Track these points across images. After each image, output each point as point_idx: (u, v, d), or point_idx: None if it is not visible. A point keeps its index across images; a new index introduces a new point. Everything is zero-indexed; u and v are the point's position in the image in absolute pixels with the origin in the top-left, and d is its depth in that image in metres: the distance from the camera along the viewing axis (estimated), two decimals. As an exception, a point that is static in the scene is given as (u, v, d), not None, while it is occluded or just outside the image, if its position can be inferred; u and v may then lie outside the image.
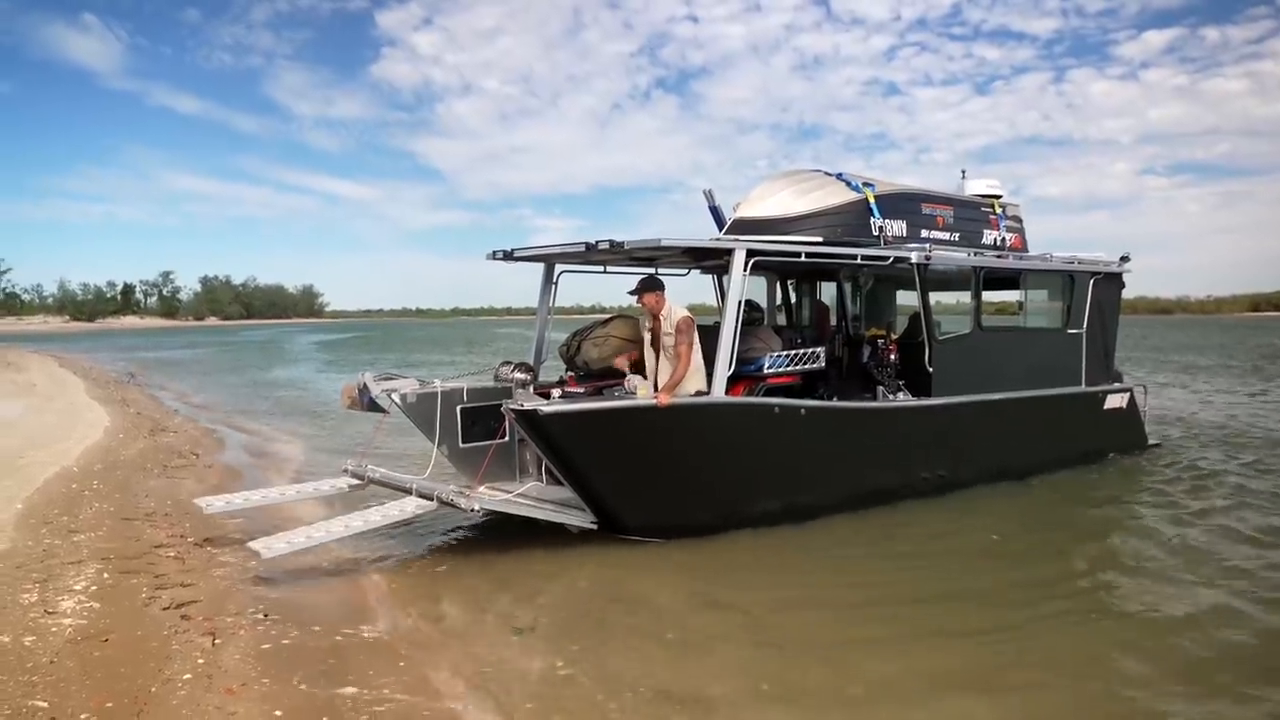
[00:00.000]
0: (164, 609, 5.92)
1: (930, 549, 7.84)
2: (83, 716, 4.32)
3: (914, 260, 9.09)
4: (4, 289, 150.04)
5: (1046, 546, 8.00)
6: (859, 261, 8.92)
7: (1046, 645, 5.62)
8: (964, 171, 11.21)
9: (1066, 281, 11.11)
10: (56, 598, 6.01)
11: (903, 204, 9.60)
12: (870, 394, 9.38)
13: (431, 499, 7.36)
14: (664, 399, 7.43)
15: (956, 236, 10.08)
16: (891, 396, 9.28)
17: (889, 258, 9.04)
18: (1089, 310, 11.13)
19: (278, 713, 4.49)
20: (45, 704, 4.43)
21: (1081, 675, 5.16)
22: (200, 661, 5.07)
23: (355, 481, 8.33)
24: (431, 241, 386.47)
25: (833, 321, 10.94)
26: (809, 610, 6.29)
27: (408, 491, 7.58)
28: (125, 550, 7.26)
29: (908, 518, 8.71)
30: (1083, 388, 11.14)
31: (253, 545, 6.63)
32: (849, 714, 4.69)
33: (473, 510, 7.24)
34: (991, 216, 10.69)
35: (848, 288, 11.11)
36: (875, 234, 9.20)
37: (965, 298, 10.10)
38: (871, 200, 9.25)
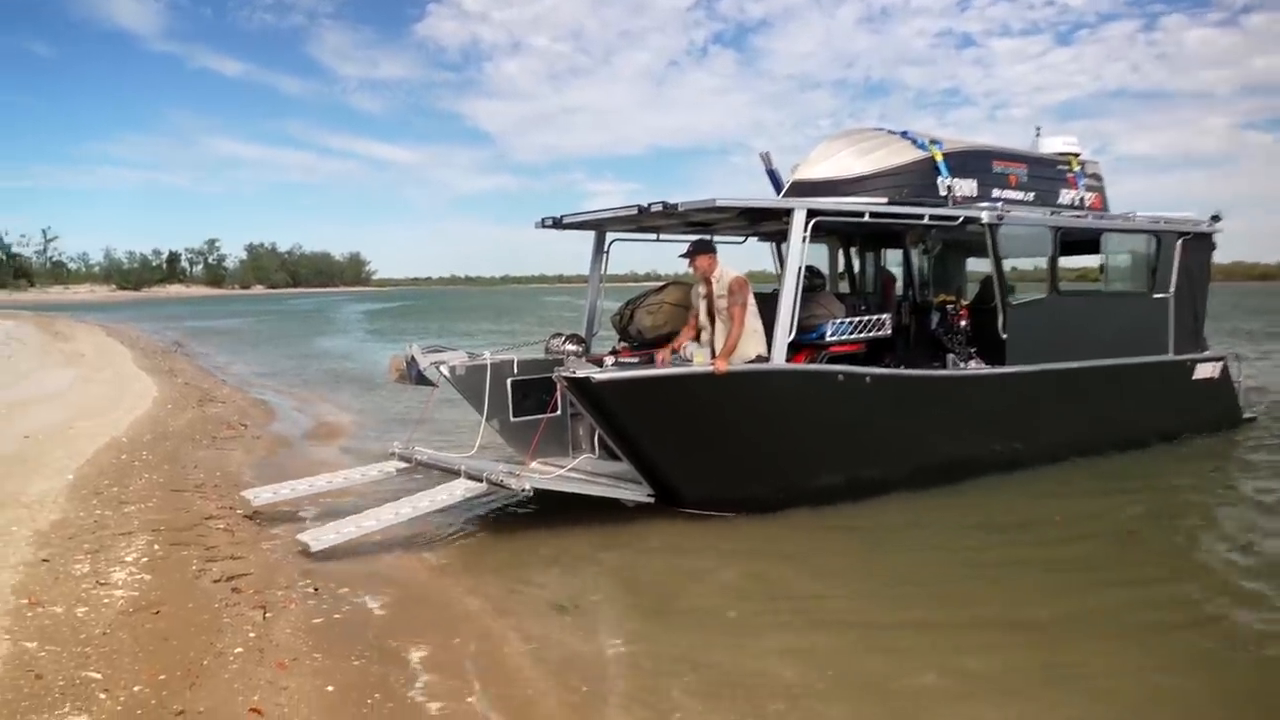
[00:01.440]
0: (214, 581, 6.05)
1: (1002, 529, 7.70)
2: (135, 688, 4.43)
3: (985, 220, 8.90)
4: (51, 258, 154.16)
5: (1125, 533, 7.71)
6: (926, 223, 8.75)
7: (1112, 650, 5.24)
8: (1039, 129, 10.93)
9: (1152, 242, 10.78)
10: (108, 569, 6.17)
11: (973, 162, 9.40)
12: (939, 363, 9.23)
13: (481, 480, 7.39)
14: (721, 366, 7.38)
15: (1031, 196, 9.84)
16: (962, 365, 9.13)
17: (958, 218, 8.86)
18: (1176, 273, 10.79)
19: (330, 688, 4.56)
20: (98, 675, 4.55)
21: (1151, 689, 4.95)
22: (251, 635, 5.17)
23: (403, 464, 8.38)
24: (480, 207, 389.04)
25: (899, 289, 10.77)
26: (874, 592, 6.23)
27: (456, 473, 7.63)
28: (175, 522, 7.43)
29: (978, 495, 8.58)
30: (1170, 356, 10.82)
31: (302, 538, 6.71)
32: (912, 706, 4.59)
33: (523, 490, 7.26)
34: (1069, 175, 10.42)
35: (914, 252, 10.91)
36: (943, 194, 9.02)
37: (1041, 264, 9.87)
38: (939, 159, 9.07)
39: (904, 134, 9.22)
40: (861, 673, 4.93)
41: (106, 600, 5.60)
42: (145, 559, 6.44)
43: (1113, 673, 4.92)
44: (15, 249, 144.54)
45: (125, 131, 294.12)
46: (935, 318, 9.53)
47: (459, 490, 7.35)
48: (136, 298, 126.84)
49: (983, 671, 4.93)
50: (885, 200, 8.56)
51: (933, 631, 5.50)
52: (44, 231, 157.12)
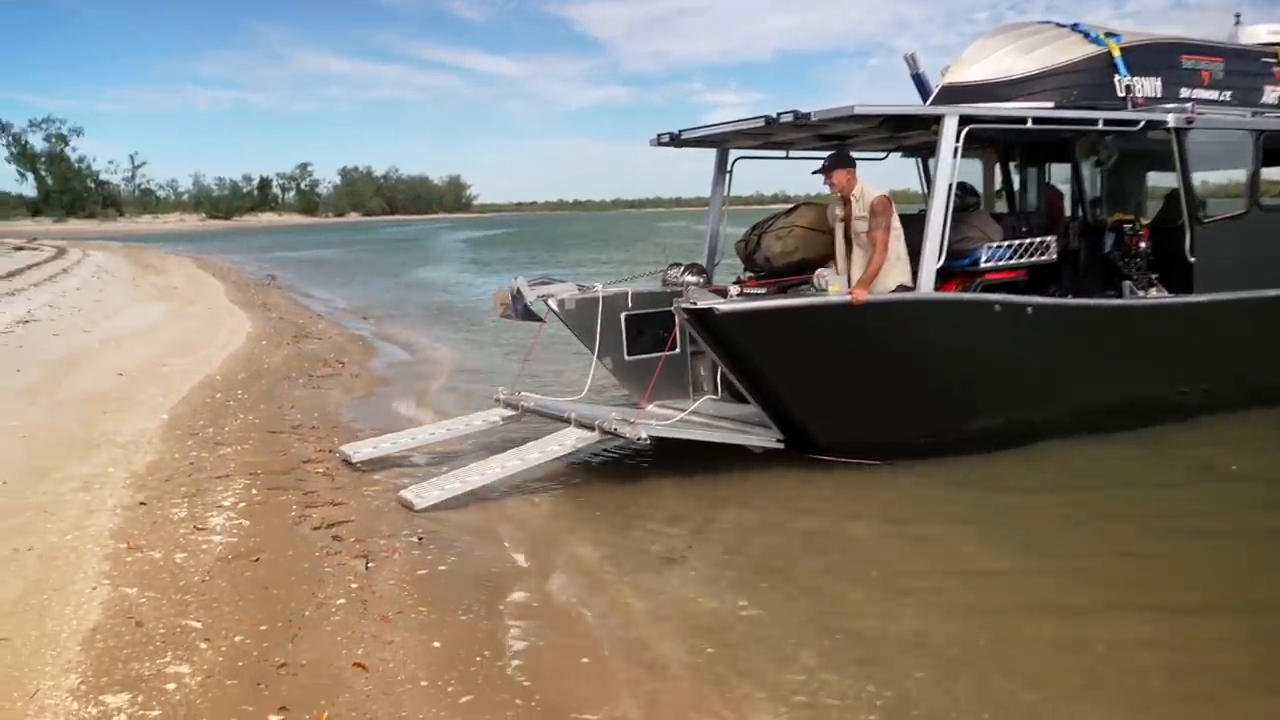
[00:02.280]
0: (314, 529, 6.29)
1: (1186, 484, 7.39)
2: (236, 639, 4.66)
3: (1172, 124, 8.47)
4: (140, 185, 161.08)
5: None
6: (1100, 129, 8.38)
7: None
8: (1238, 15, 10.29)
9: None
10: (205, 514, 6.49)
11: (1156, 57, 8.95)
12: (1114, 291, 8.88)
13: (593, 429, 7.44)
14: (859, 295, 7.23)
15: (1228, 95, 9.32)
16: (1141, 293, 8.75)
17: (1139, 122, 8.44)
18: None
19: (436, 644, 4.71)
20: (199, 624, 4.80)
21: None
22: (354, 586, 5.37)
23: (509, 412, 8.49)
24: (589, 123, 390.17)
25: (1066, 207, 10.37)
26: (1038, 556, 6.04)
27: (566, 421, 7.71)
28: (272, 465, 7.74)
29: (1160, 442, 8.27)
30: None
31: (405, 495, 6.89)
32: (1083, 693, 4.43)
33: (639, 439, 7.30)
34: (1275, 69, 9.80)
35: (1085, 164, 10.44)
36: (1121, 96, 8.63)
37: (1239, 176, 9.34)
38: (1116, 54, 8.66)
39: (1074, 27, 8.84)
40: (1022, 644, 4.82)
41: (205, 546, 5.89)
42: (243, 504, 6.74)
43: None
44: (103, 176, 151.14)
45: (211, 48, 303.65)
46: (1110, 239, 9.16)
47: (569, 440, 7.43)
48: (227, 227, 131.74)
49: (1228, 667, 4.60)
50: (1051, 105, 8.24)
51: (1108, 610, 5.25)
52: (132, 158, 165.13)
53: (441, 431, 8.34)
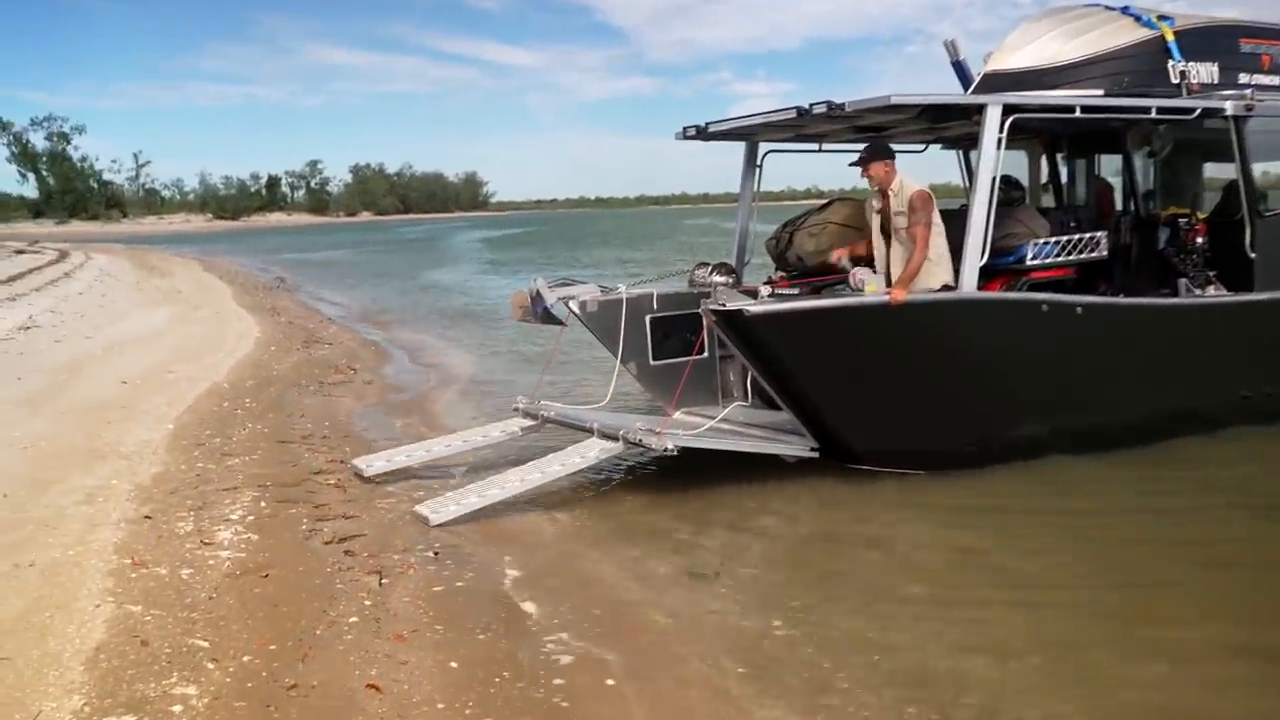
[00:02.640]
0: (326, 543, 6.32)
1: (1243, 499, 7.29)
2: (245, 658, 4.68)
3: (1230, 112, 8.42)
4: (144, 185, 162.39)
5: None
6: (1153, 117, 8.32)
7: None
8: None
9: None
10: (213, 527, 6.53)
11: (1213, 41, 8.91)
12: (1169, 289, 8.81)
13: (617, 439, 7.42)
14: (898, 295, 7.20)
15: (1291, 81, 9.22)
16: (1198, 291, 8.68)
17: (1194, 110, 8.39)
18: None
19: (453, 664, 4.72)
20: (205, 643, 4.82)
21: None
22: (367, 603, 5.38)
23: (529, 423, 8.47)
24: (611, 116, 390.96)
25: (1117, 201, 10.29)
26: (1088, 570, 5.99)
27: (589, 431, 7.70)
28: (282, 476, 7.79)
29: (1221, 448, 8.20)
30: None
31: (420, 510, 6.91)
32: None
33: (666, 450, 7.24)
34: (1341, 53, 9.70)
35: (1137, 155, 10.37)
36: (1175, 82, 8.58)
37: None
38: (1169, 37, 8.63)
39: (1124, 9, 8.82)
40: (1073, 663, 4.77)
41: (212, 561, 5.92)
42: (251, 517, 6.78)
43: None
44: (106, 175, 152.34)
45: (215, 41, 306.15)
46: (1164, 235, 9.12)
47: (592, 452, 7.43)
48: (234, 227, 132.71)
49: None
50: (1101, 92, 8.19)
51: (1168, 624, 5.22)
52: (135, 156, 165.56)
53: (458, 443, 8.35)
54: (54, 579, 5.55)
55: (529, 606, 5.45)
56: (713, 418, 8.07)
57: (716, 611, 5.43)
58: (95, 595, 5.34)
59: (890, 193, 7.73)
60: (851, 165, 7.86)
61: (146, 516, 6.69)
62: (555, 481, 7.34)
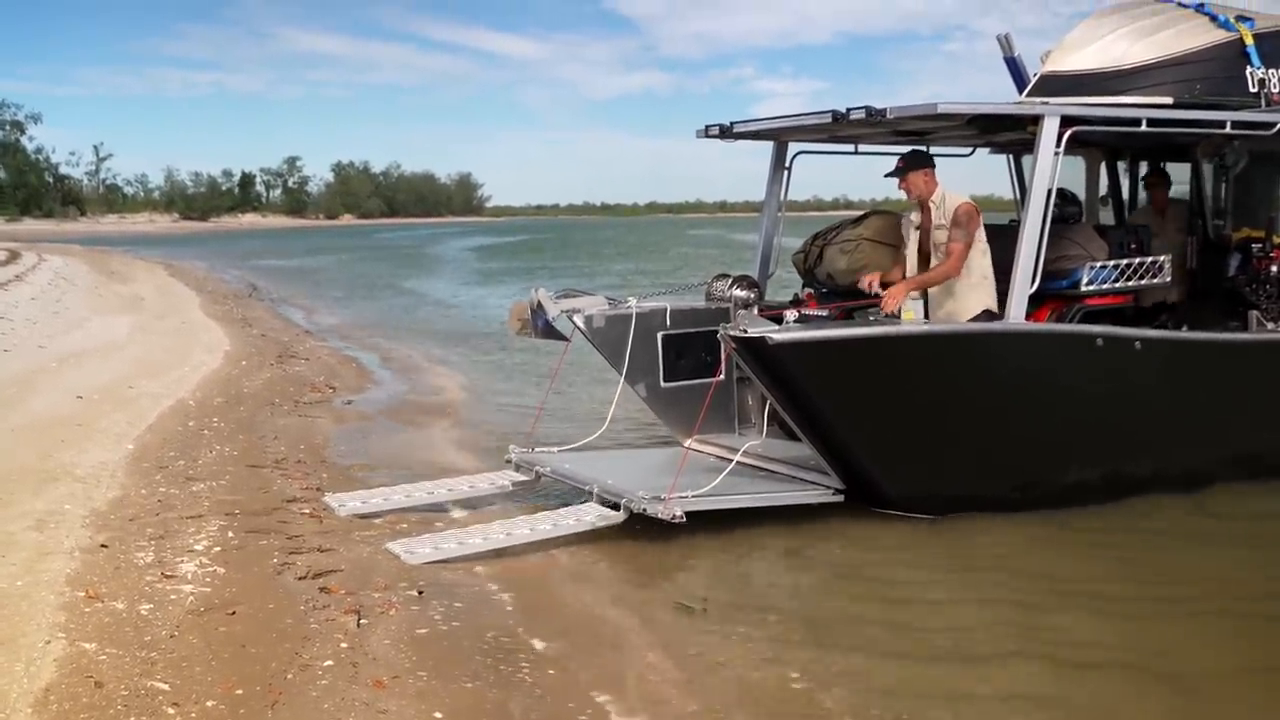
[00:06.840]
0: (299, 578, 6.34)
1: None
2: (208, 703, 4.71)
3: None
4: (104, 180, 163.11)
5: None
6: (1228, 131, 8.35)
7: None
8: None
9: None
10: (175, 559, 6.56)
11: None
12: (1239, 321, 8.83)
13: (618, 508, 7.33)
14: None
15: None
16: (1272, 325, 8.71)
17: (1274, 124, 8.41)
18: None
19: (438, 714, 4.74)
20: (166, 686, 4.85)
21: None
22: (343, 646, 5.41)
23: (522, 478, 8.37)
24: (621, 114, 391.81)
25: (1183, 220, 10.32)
26: (1140, 626, 6.04)
27: (589, 493, 7.66)
28: (252, 504, 7.82)
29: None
30: None
31: (393, 548, 6.92)
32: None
33: (674, 518, 7.07)
34: None
35: (1208, 170, 10.41)
36: (1253, 91, 8.62)
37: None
38: (1249, 41, 8.66)
39: (1199, 7, 8.83)
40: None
41: (174, 596, 5.95)
42: (218, 548, 6.81)
43: None
44: (63, 169, 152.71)
45: (183, 22, 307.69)
46: (1235, 260, 9.13)
47: (589, 516, 7.37)
48: (203, 229, 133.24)
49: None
50: (1170, 101, 8.21)
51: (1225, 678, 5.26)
52: (96, 148, 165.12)
53: (441, 491, 8.26)
54: (0, 612, 5.59)
55: (520, 652, 5.48)
56: (727, 447, 8.09)
57: (725, 662, 5.46)
58: (45, 630, 5.36)
59: (931, 204, 7.77)
60: (888, 176, 7.91)
61: (103, 545, 6.72)
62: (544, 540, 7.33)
